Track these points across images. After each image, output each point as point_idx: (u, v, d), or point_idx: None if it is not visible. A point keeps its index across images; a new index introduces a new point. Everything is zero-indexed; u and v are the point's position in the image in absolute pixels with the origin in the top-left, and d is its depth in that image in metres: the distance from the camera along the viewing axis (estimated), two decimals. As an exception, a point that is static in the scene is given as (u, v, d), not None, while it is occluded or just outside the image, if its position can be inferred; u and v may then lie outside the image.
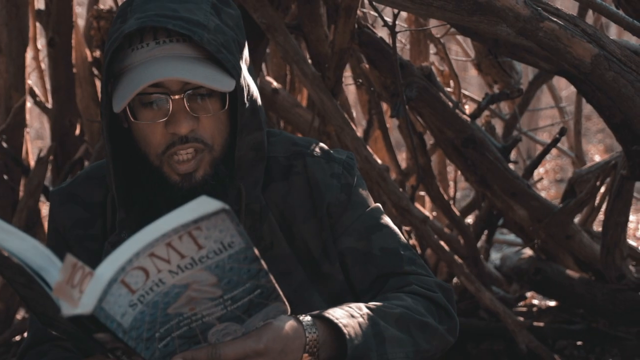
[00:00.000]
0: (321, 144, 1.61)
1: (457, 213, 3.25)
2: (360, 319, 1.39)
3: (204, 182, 1.44)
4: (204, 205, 1.09)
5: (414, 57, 3.15)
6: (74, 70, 3.52)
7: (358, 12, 2.50)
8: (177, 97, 1.40)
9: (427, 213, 3.20)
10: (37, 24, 3.60)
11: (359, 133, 3.05)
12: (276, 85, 3.28)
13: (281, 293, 1.26)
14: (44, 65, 3.88)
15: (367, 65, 2.77)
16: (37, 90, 3.89)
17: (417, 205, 3.21)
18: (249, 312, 1.24)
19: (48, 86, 3.74)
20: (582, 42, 1.79)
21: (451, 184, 3.74)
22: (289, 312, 1.31)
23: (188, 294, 1.16)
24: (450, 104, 2.81)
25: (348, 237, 1.54)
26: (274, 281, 1.23)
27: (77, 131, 3.61)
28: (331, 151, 1.60)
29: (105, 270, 1.08)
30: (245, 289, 1.20)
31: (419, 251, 3.38)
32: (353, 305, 1.43)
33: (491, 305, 2.97)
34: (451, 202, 3.35)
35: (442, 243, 3.01)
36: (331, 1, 2.57)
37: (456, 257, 3.04)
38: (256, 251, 1.17)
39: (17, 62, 3.36)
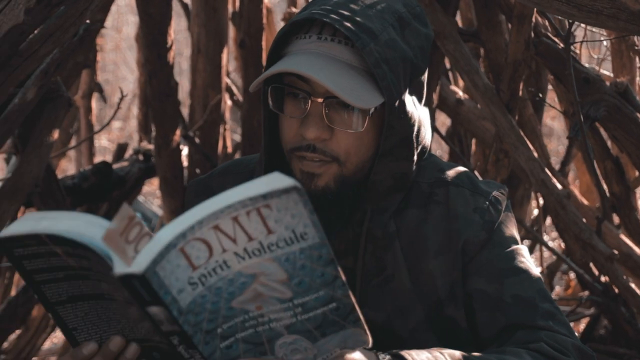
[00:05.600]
0: (470, 174, 1.46)
1: (662, 251, 2.83)
2: None
3: (323, 194, 1.35)
4: (275, 180, 1.03)
5: (616, 70, 2.79)
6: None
7: (535, 19, 2.23)
8: (318, 100, 1.32)
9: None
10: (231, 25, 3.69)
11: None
12: (461, 96, 3.07)
13: (362, 318, 1.15)
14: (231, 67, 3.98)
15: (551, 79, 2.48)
16: (235, 89, 4.00)
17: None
18: (323, 329, 1.14)
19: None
20: None
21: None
22: (370, 344, 1.19)
23: (255, 287, 1.09)
24: (650, 126, 2.43)
25: (479, 278, 1.39)
26: (352, 298, 1.12)
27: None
28: (480, 182, 1.44)
29: (164, 233, 1.03)
30: (319, 298, 1.11)
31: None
32: (446, 351, 1.28)
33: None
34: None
35: (633, 285, 2.62)
36: (507, 8, 2.32)
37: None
38: (332, 253, 1.09)
39: (214, 62, 3.46)
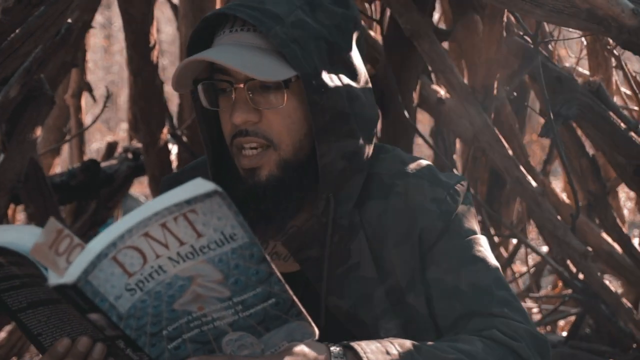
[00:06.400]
0: (432, 166, 1.49)
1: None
2: (396, 358, 1.27)
3: (268, 183, 1.39)
4: (197, 186, 1.07)
5: (593, 70, 2.82)
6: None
7: (507, 18, 2.27)
8: (240, 86, 1.37)
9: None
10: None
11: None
12: (443, 95, 3.10)
13: (304, 311, 1.19)
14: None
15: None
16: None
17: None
18: (266, 324, 1.18)
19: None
20: None
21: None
22: (316, 336, 1.22)
23: (193, 289, 1.13)
24: (623, 125, 2.46)
25: (437, 268, 1.42)
26: (291, 293, 1.16)
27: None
28: (440, 174, 1.48)
29: (95, 243, 1.07)
30: (257, 295, 1.15)
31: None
32: (397, 341, 1.31)
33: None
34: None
35: (606, 282, 2.66)
36: (479, 7, 2.36)
37: (625, 300, 2.68)
38: (263, 251, 1.13)
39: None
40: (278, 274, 1.15)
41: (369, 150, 1.44)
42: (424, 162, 1.49)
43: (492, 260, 1.44)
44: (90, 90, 3.87)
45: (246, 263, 1.13)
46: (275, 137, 1.38)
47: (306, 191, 1.41)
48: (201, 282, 1.13)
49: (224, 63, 1.34)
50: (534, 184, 2.54)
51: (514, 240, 3.85)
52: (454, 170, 2.83)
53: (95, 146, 7.76)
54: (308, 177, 1.40)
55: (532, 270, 4.05)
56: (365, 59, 3.14)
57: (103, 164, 3.55)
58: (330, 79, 1.37)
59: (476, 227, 1.47)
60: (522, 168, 2.53)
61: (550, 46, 2.68)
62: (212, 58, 1.35)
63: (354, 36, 1.43)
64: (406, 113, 2.73)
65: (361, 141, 1.42)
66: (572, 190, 2.53)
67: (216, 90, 1.41)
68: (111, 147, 3.87)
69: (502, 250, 3.98)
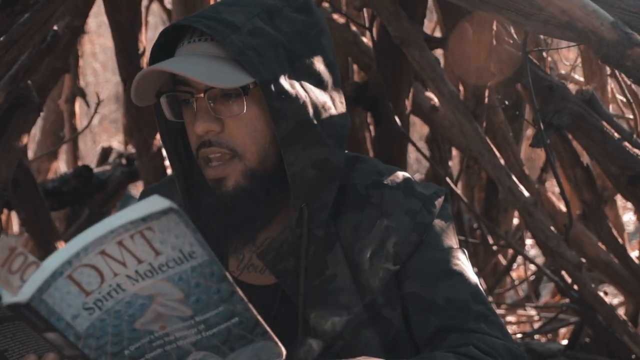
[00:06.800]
0: (409, 177, 1.46)
1: (637, 260, 2.82)
2: None
3: (235, 193, 1.37)
4: (152, 203, 1.06)
5: (587, 78, 2.79)
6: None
7: (497, 26, 2.24)
8: (200, 95, 1.35)
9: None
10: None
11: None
12: (436, 102, 3.07)
13: (270, 331, 1.17)
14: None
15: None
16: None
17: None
18: (230, 344, 1.16)
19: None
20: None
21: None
22: (283, 356, 1.20)
23: (154, 308, 1.12)
24: (616, 135, 2.43)
25: (413, 282, 1.39)
26: (254, 311, 1.15)
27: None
28: (417, 185, 1.45)
29: (50, 262, 1.06)
30: (219, 314, 1.14)
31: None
32: (372, 359, 1.29)
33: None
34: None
35: (600, 293, 2.62)
36: (468, 15, 2.33)
37: (620, 311, 2.64)
38: (224, 270, 1.12)
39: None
40: (240, 292, 1.14)
41: (340, 158, 1.42)
42: (401, 173, 1.46)
43: (470, 274, 1.41)
44: (83, 95, 3.87)
45: (207, 282, 1.11)
46: (239, 146, 1.36)
47: (276, 201, 1.39)
48: (162, 301, 1.11)
49: (177, 71, 1.33)
50: (526, 193, 2.50)
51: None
52: (447, 179, 2.80)
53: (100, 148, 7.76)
54: (277, 186, 1.38)
55: (531, 277, 4.02)
56: (358, 66, 3.09)
57: (96, 170, 3.54)
58: (291, 86, 1.36)
59: (454, 239, 1.44)
60: (514, 177, 2.49)
61: (544, 54, 2.64)
62: (166, 68, 1.33)
63: (321, 42, 1.41)
64: (398, 120, 2.70)
65: (331, 149, 1.39)
66: (564, 200, 2.49)
67: (179, 103, 1.39)
68: (106, 153, 3.86)
69: (501, 257, 3.95)
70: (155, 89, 1.39)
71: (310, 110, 1.37)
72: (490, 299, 3.50)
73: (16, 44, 2.14)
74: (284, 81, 1.35)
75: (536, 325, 3.98)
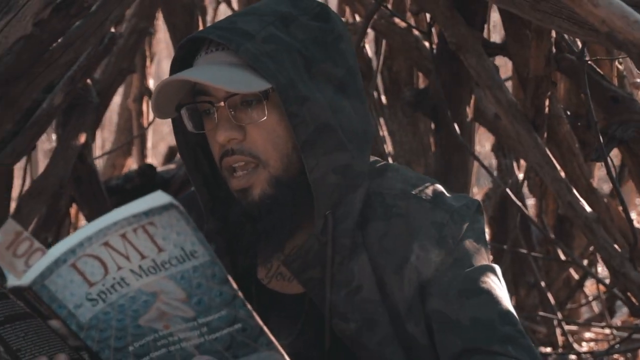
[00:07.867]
0: (439, 187, 1.41)
1: None
2: None
3: (261, 202, 1.36)
4: (154, 198, 1.07)
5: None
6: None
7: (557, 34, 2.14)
8: (221, 104, 1.35)
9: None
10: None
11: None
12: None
13: (275, 341, 1.15)
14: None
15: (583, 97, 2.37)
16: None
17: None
18: (234, 351, 1.15)
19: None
20: None
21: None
22: None
23: (158, 305, 1.12)
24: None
25: (438, 299, 1.35)
26: (258, 320, 1.14)
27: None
28: (447, 197, 1.40)
29: (55, 249, 1.08)
30: (222, 318, 1.13)
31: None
32: None
33: None
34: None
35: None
36: (529, 22, 2.23)
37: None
38: (225, 272, 1.11)
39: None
40: (242, 297, 1.13)
41: (363, 164, 1.39)
42: (431, 183, 1.42)
43: (499, 292, 1.35)
44: (150, 95, 3.93)
45: (208, 283, 1.11)
46: (261, 153, 1.35)
47: (303, 208, 1.36)
48: (165, 300, 1.11)
49: (195, 78, 1.33)
50: (588, 209, 2.38)
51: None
52: (508, 190, 2.70)
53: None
54: (302, 193, 1.36)
55: (604, 295, 3.85)
56: (420, 71, 3.00)
57: (161, 169, 3.57)
58: (309, 90, 1.34)
59: (484, 255, 1.38)
60: (575, 191, 2.38)
61: (615, 62, 2.52)
62: (184, 77, 1.34)
63: (340, 48, 1.39)
64: (457, 128, 2.62)
65: (353, 154, 1.37)
66: (626, 216, 2.37)
67: (200, 114, 1.39)
68: (171, 152, 3.90)
69: (573, 271, 3.80)
70: (175, 102, 1.39)
71: (329, 115, 1.35)
72: (559, 315, 3.37)
73: (72, 46, 2.19)
74: (302, 86, 1.33)
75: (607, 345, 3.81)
